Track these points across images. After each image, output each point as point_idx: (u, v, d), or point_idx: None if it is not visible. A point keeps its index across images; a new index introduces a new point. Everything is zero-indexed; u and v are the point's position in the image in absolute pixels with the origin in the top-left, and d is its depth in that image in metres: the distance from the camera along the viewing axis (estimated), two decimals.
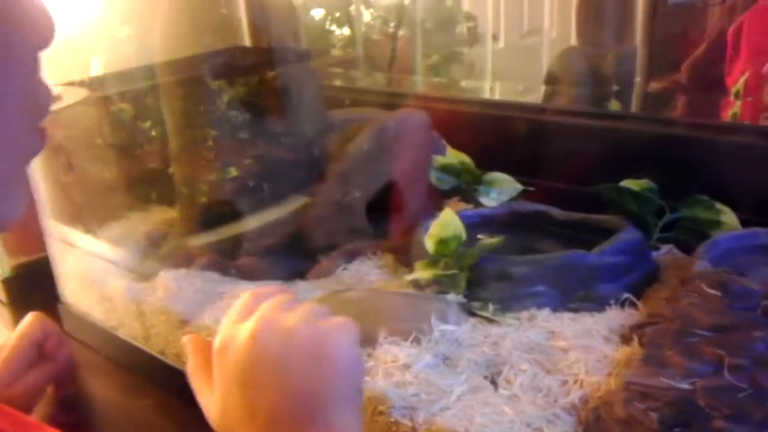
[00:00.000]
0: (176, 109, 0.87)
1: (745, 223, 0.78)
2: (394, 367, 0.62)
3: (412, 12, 1.53)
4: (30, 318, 0.74)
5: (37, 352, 0.72)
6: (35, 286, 0.98)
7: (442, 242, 0.73)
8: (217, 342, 0.49)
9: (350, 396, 0.48)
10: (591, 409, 0.56)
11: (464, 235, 0.74)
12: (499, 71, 1.56)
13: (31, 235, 1.03)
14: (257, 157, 0.85)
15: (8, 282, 1.01)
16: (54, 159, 1.02)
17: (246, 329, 0.48)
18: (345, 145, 0.86)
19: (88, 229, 0.95)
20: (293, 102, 0.87)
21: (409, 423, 0.57)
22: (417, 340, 0.66)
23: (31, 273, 1.01)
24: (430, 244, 0.73)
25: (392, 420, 0.58)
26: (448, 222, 0.73)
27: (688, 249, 0.78)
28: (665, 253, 0.80)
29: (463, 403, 0.58)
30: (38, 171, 0.98)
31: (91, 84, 1.18)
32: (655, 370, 0.56)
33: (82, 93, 1.19)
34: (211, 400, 0.49)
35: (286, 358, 0.46)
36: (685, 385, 0.53)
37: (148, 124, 1.18)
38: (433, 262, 0.75)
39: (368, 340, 0.67)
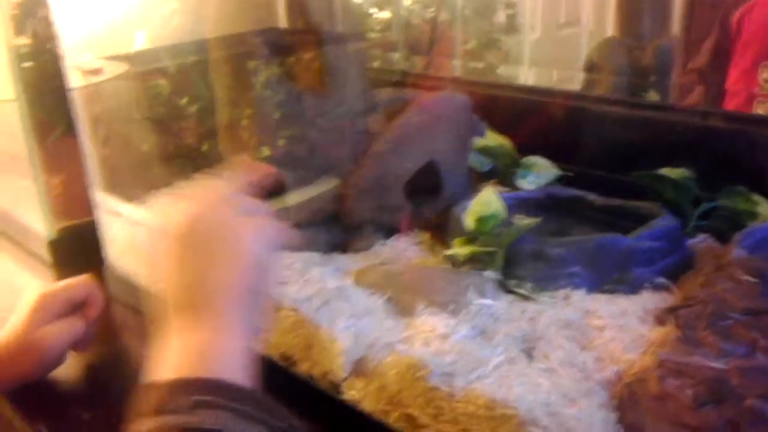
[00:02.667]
0: (222, 86, 0.89)
1: None
2: (433, 337, 0.64)
3: None
4: (81, 277, 0.77)
5: (73, 308, 0.75)
6: (80, 249, 1.01)
7: (481, 220, 0.75)
8: (166, 210, 0.54)
9: (245, 294, 0.50)
10: (625, 384, 0.58)
11: (503, 214, 0.75)
12: (536, 59, 1.57)
13: (76, 200, 1.06)
14: (298, 136, 0.87)
15: (54, 244, 1.04)
16: (94, 130, 1.06)
17: (192, 209, 0.52)
18: (387, 124, 0.87)
19: (130, 198, 0.98)
20: (338, 82, 0.89)
21: (447, 389, 0.59)
22: (455, 313, 0.68)
23: (76, 236, 1.04)
24: (469, 220, 0.75)
25: (430, 386, 0.60)
26: (488, 200, 0.75)
27: (723, 238, 0.79)
28: (701, 241, 0.81)
29: (500, 373, 0.59)
30: (85, 140, 1.01)
31: (132, 58, 1.21)
32: (690, 350, 0.57)
33: (122, 67, 1.22)
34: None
35: (205, 247, 0.51)
36: (719, 365, 0.55)
37: (185, 100, 1.20)
38: (470, 239, 0.77)
39: (407, 311, 0.70)
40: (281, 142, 0.83)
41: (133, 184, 1.02)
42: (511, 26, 1.62)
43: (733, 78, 1.15)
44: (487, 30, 1.49)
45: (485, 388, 0.57)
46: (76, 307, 0.76)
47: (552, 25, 1.77)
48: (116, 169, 1.04)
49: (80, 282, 0.77)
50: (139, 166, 1.08)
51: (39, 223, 1.07)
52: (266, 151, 0.87)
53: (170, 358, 0.48)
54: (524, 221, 0.75)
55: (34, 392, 0.74)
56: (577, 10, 1.70)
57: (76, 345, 0.77)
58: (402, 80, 1.16)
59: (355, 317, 0.69)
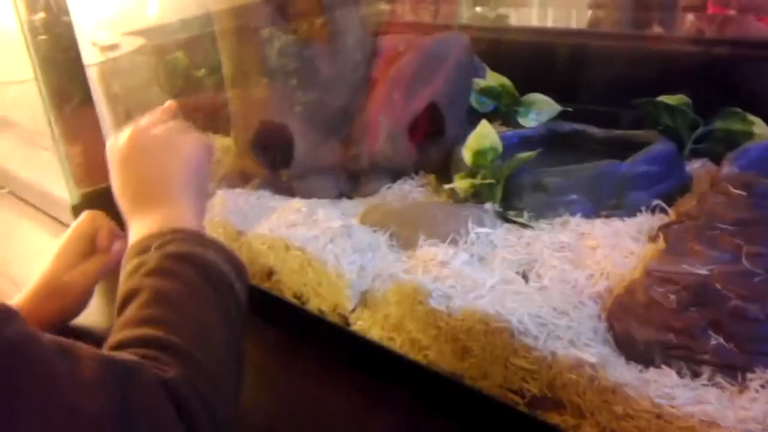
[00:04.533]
0: (236, 55, 0.91)
1: None
2: (433, 264, 0.67)
3: None
4: (83, 215, 0.80)
5: (90, 246, 0.77)
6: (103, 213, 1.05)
7: (479, 153, 0.77)
8: (110, 142, 0.67)
9: (194, 185, 0.65)
10: (615, 296, 0.60)
11: (500, 147, 0.78)
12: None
13: (98, 166, 1.11)
14: (312, 99, 0.89)
15: (77, 208, 1.09)
16: (112, 103, 1.10)
17: (126, 133, 0.66)
18: (389, 68, 0.90)
19: None
20: (343, 40, 0.90)
21: (444, 309, 0.62)
22: (454, 242, 0.71)
23: (98, 200, 1.08)
24: (467, 155, 0.77)
25: (429, 308, 0.63)
26: (484, 134, 0.77)
27: (720, 160, 0.80)
28: (699, 165, 0.82)
29: (496, 293, 0.62)
30: (103, 111, 1.05)
31: (147, 33, 1.24)
32: (677, 259, 0.59)
33: (138, 42, 1.25)
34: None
35: (150, 153, 0.65)
36: (703, 271, 0.56)
37: (201, 71, 1.23)
38: (471, 174, 0.79)
39: (409, 244, 0.73)
40: (298, 108, 0.86)
41: None
42: None
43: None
44: None
45: (480, 306, 0.60)
46: (91, 244, 0.79)
47: None
48: None
49: (84, 220, 0.79)
50: None
51: (63, 191, 1.12)
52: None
53: (141, 230, 0.60)
54: (522, 154, 0.77)
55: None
56: None
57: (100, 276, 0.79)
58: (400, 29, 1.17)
59: (360, 252, 0.72)
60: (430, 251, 0.69)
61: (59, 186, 1.12)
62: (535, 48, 1.04)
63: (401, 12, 1.33)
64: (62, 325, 0.78)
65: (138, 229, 0.61)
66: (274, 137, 0.88)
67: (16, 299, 0.78)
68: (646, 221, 0.72)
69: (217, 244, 0.60)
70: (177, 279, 0.55)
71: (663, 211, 0.73)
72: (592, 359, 0.53)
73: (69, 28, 1.03)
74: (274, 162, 0.90)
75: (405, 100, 0.89)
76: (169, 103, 0.72)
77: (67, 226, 1.09)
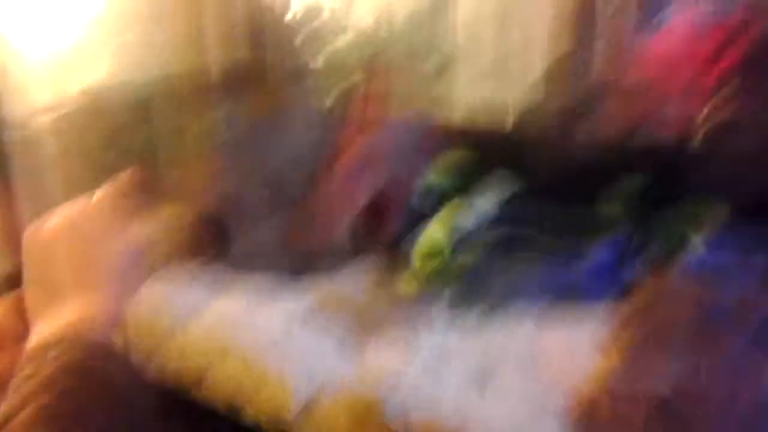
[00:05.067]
0: (178, 122, 0.88)
1: None
2: (386, 375, 0.64)
3: None
4: None
5: None
6: None
7: (427, 257, 0.75)
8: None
9: (121, 279, 0.58)
10: (579, 410, 0.58)
11: (449, 249, 0.76)
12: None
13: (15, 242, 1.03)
14: (255, 168, 0.86)
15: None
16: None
17: (46, 230, 0.59)
18: (338, 156, 0.88)
19: None
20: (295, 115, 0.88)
21: (402, 425, 0.58)
22: (407, 350, 0.68)
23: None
24: (416, 259, 0.75)
25: (384, 424, 0.59)
26: (434, 237, 0.75)
27: (669, 252, 0.81)
28: (639, 263, 0.83)
29: (455, 407, 0.59)
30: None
31: (85, 94, 1.18)
32: (638, 374, 0.58)
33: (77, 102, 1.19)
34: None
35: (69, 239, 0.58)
36: (666, 389, 0.56)
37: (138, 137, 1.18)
38: (417, 276, 0.77)
39: (359, 348, 0.69)
40: (247, 183, 0.83)
41: None
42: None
43: None
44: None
45: (441, 423, 0.57)
46: None
47: None
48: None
49: None
50: None
51: None
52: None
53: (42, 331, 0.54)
54: (470, 258, 0.76)
55: None
56: None
57: None
58: None
59: (305, 357, 0.68)
60: (383, 359, 0.66)
61: None
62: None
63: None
64: None
65: (40, 329, 0.55)
66: (214, 219, 0.84)
67: None
68: (600, 326, 0.71)
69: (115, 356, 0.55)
70: (66, 395, 0.50)
71: (611, 315, 0.73)
72: None
73: None
74: (212, 247, 0.85)
75: (353, 186, 0.88)
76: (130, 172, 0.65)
77: None
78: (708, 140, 1.03)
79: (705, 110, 1.22)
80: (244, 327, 0.73)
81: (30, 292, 0.58)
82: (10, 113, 0.98)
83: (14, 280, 0.92)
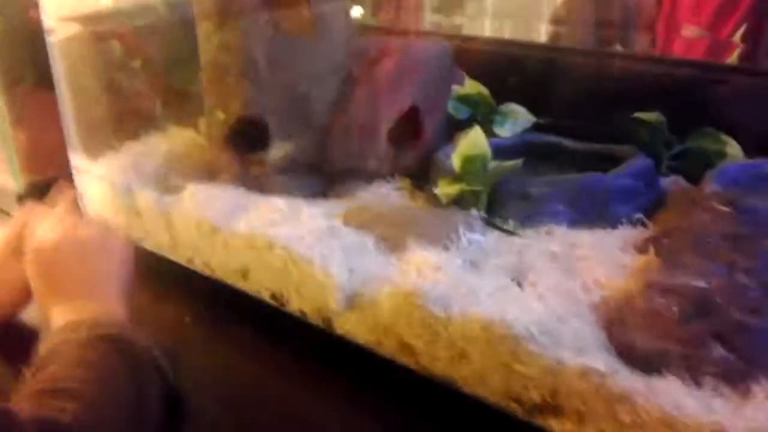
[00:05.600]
0: (211, 41, 0.88)
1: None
2: (426, 269, 0.66)
3: None
4: (24, 209, 0.75)
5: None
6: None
7: (468, 160, 0.76)
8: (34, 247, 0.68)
9: (123, 285, 0.68)
10: (613, 306, 0.61)
11: (490, 155, 0.77)
12: (502, 11, 1.57)
13: (46, 154, 1.05)
14: (286, 86, 0.86)
15: (24, 198, 1.03)
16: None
17: (49, 237, 0.67)
18: (370, 70, 0.88)
19: (107, 146, 0.97)
20: (325, 29, 0.88)
21: (444, 315, 0.61)
22: (445, 247, 0.70)
23: (47, 190, 1.02)
24: (457, 161, 0.77)
25: (426, 313, 0.62)
26: (476, 140, 0.77)
27: (693, 178, 0.82)
28: (672, 181, 0.85)
29: (494, 299, 0.62)
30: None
31: (85, 20, 1.18)
32: (674, 272, 0.61)
33: (74, 28, 1.19)
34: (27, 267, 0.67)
35: (82, 257, 0.67)
36: (702, 283, 0.58)
37: (138, 62, 1.18)
38: (455, 180, 0.79)
39: (398, 247, 0.71)
40: (278, 102, 0.83)
41: (100, 141, 1.00)
42: None
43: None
44: None
45: (481, 312, 0.60)
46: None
47: None
48: (85, 125, 1.02)
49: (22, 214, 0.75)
50: (109, 122, 1.06)
51: (9, 178, 1.05)
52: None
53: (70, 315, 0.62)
54: (509, 162, 0.78)
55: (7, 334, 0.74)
56: None
57: None
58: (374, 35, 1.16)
59: (348, 254, 0.71)
60: (423, 255, 0.68)
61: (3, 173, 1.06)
62: (508, 59, 1.05)
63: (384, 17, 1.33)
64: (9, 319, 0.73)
65: (66, 315, 0.62)
66: (251, 131, 0.85)
67: None
68: (629, 233, 0.73)
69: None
70: (100, 362, 0.56)
71: (643, 224, 0.75)
72: (601, 367, 0.54)
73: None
74: (248, 157, 0.87)
75: (386, 103, 0.89)
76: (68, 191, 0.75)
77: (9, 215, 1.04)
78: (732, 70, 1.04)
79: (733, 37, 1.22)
80: (288, 224, 0.75)
81: (47, 297, 0.66)
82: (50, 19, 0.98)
83: (43, 188, 0.95)
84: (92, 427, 0.50)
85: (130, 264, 0.71)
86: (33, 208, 0.74)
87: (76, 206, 0.72)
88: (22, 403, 0.51)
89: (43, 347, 0.57)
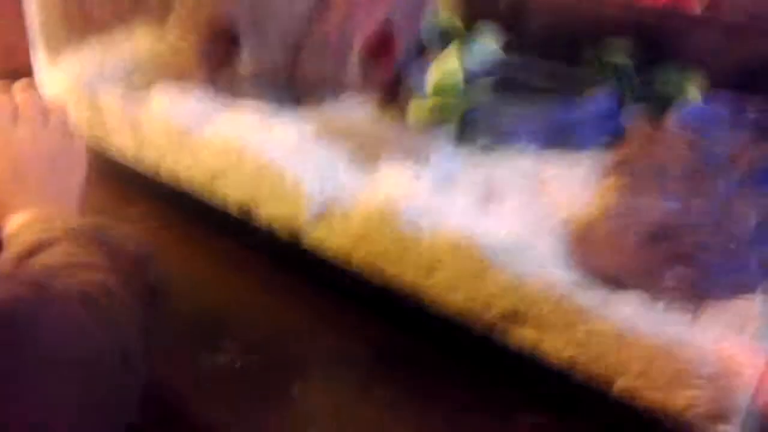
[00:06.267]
0: None
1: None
2: (398, 185, 0.67)
3: None
4: None
5: None
6: None
7: (442, 81, 0.77)
8: None
9: (79, 198, 0.66)
10: (577, 227, 0.63)
11: (462, 77, 0.78)
12: None
13: (7, 49, 1.00)
14: None
15: None
16: None
17: (27, 131, 0.65)
18: None
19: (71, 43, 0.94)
20: None
21: (414, 230, 0.63)
22: (417, 166, 0.71)
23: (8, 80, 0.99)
24: (430, 81, 0.77)
25: (397, 227, 0.64)
26: (450, 63, 0.77)
27: (654, 112, 0.85)
28: (632, 114, 0.87)
29: (464, 215, 0.64)
30: None
31: None
32: (635, 197, 0.64)
33: None
34: None
35: (52, 158, 0.65)
36: (661, 209, 0.61)
37: None
38: (427, 100, 0.80)
39: (370, 163, 0.72)
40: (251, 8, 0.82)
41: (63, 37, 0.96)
42: None
43: None
44: None
45: (453, 227, 0.62)
46: None
47: None
48: (49, 18, 0.98)
49: None
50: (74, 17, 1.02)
51: None
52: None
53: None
54: (480, 86, 0.79)
55: None
56: None
57: None
58: None
59: (319, 166, 0.71)
60: (394, 171, 0.69)
61: None
62: None
63: None
64: None
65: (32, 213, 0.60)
66: (223, 36, 0.83)
67: None
68: (593, 160, 0.75)
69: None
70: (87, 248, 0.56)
71: (607, 151, 0.77)
72: (562, 282, 0.57)
73: None
74: (220, 63, 0.85)
75: (360, 17, 0.88)
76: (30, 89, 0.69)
77: None
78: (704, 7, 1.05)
79: None
80: (259, 135, 0.75)
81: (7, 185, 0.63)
82: None
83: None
84: (119, 306, 0.51)
85: (85, 172, 0.69)
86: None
87: (39, 104, 0.69)
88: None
89: (15, 242, 0.57)
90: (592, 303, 0.56)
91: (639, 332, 0.53)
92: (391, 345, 0.65)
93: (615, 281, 0.58)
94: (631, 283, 0.57)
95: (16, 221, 0.61)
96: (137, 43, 0.95)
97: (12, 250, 0.57)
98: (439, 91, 0.77)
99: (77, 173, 0.67)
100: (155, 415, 0.57)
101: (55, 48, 0.92)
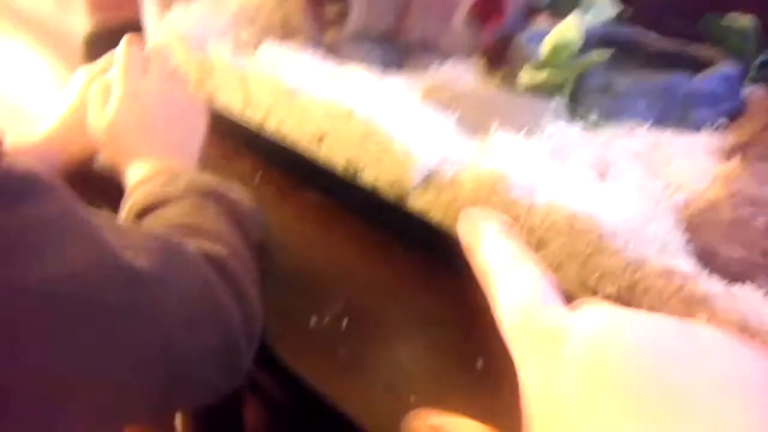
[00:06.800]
0: None
1: None
2: (511, 154, 0.66)
3: None
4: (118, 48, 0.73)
5: None
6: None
7: (559, 47, 0.75)
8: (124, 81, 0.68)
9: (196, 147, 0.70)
10: (696, 210, 0.61)
11: (579, 45, 0.76)
12: None
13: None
14: None
15: (91, 39, 1.01)
16: None
17: (153, 83, 0.68)
18: None
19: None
20: None
21: (527, 201, 0.62)
22: (530, 133, 0.70)
23: (116, 32, 1.01)
24: (547, 47, 0.75)
25: (508, 198, 0.63)
26: (569, 28, 0.75)
27: None
28: (752, 90, 0.83)
29: (578, 191, 0.62)
30: None
31: None
32: (762, 183, 0.61)
33: None
34: (101, 120, 0.67)
35: (182, 113, 0.69)
36: None
37: None
38: (540, 66, 0.77)
39: (480, 131, 0.71)
40: None
41: None
42: None
43: None
44: None
45: (564, 201, 0.60)
46: None
47: None
48: None
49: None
50: None
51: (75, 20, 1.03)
52: None
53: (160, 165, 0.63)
54: (596, 53, 0.76)
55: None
56: None
57: None
58: None
59: (430, 129, 0.70)
60: (507, 140, 0.68)
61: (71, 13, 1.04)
62: None
63: None
64: (94, 160, 0.74)
65: (154, 165, 0.63)
66: None
67: (41, 132, 0.73)
68: (712, 139, 0.72)
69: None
70: (209, 206, 0.58)
71: (726, 130, 0.74)
72: (685, 268, 0.55)
73: None
74: (327, 21, 0.85)
75: None
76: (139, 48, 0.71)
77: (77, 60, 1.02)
78: None
79: None
80: (368, 94, 0.74)
81: (135, 131, 0.66)
82: None
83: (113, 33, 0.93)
84: (239, 270, 0.52)
85: (206, 132, 0.72)
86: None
87: (167, 59, 0.71)
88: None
89: (140, 194, 0.58)
90: (715, 292, 0.54)
91: (764, 326, 0.51)
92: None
93: (737, 272, 0.56)
94: (755, 275, 0.55)
95: (140, 169, 0.63)
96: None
97: (136, 200, 0.58)
98: (555, 56, 0.75)
99: (199, 127, 0.69)
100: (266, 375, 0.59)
101: (164, 1, 0.92)
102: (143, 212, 0.56)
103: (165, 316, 0.43)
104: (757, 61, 0.82)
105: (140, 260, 0.43)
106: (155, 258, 0.44)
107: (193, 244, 0.50)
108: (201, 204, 0.56)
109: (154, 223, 0.55)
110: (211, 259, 0.49)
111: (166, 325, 0.43)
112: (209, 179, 0.61)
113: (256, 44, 0.85)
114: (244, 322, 0.50)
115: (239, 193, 0.62)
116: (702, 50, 0.83)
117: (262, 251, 0.65)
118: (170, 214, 0.55)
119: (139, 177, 0.62)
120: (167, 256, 0.46)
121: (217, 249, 0.51)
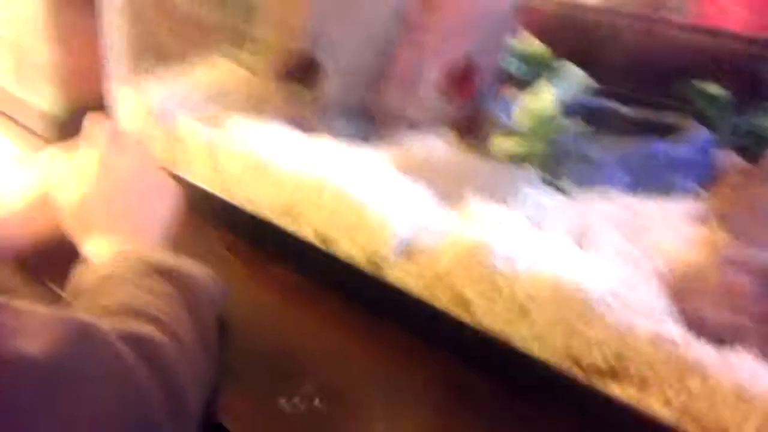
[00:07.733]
0: None
1: None
2: (489, 223, 0.65)
3: None
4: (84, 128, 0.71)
5: None
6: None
7: (535, 116, 0.75)
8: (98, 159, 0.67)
9: (167, 235, 0.67)
10: (683, 277, 0.59)
11: (554, 114, 0.76)
12: None
13: (84, 73, 1.01)
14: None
15: (56, 118, 0.99)
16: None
17: (126, 162, 0.68)
18: (430, 16, 0.85)
19: (149, 71, 0.94)
20: None
21: (509, 271, 0.60)
22: (505, 203, 0.68)
23: (82, 110, 0.99)
24: (522, 116, 0.75)
25: (490, 268, 0.61)
26: (544, 98, 0.75)
27: (747, 155, 0.81)
28: (724, 156, 0.83)
29: (559, 259, 0.61)
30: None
31: None
32: (747, 249, 0.60)
33: None
34: (70, 195, 0.66)
35: (146, 189, 0.68)
36: None
37: None
38: (512, 135, 0.77)
39: (456, 200, 0.70)
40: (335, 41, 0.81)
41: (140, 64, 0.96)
42: None
43: None
44: None
45: (550, 272, 0.58)
46: None
47: None
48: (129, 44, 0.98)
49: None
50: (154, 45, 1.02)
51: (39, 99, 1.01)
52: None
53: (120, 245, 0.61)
54: (567, 122, 0.76)
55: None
56: None
57: None
58: None
59: (406, 199, 0.69)
60: (484, 209, 0.66)
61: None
62: (568, 20, 1.02)
63: None
64: (58, 239, 0.71)
65: (110, 246, 0.61)
66: (306, 67, 0.82)
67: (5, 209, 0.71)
68: (688, 204, 0.72)
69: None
70: (156, 285, 0.56)
71: (700, 196, 0.74)
72: (674, 335, 0.53)
73: None
74: (301, 94, 0.84)
75: (440, 51, 0.86)
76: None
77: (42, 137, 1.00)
78: None
79: None
80: (341, 164, 0.73)
81: (95, 208, 0.64)
82: None
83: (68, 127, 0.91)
84: (178, 350, 0.50)
85: (177, 212, 0.70)
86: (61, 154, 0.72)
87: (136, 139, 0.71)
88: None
89: (88, 273, 0.56)
90: (707, 359, 0.52)
91: (758, 391, 0.49)
92: (475, 389, 0.62)
93: (727, 337, 0.54)
94: (746, 340, 0.53)
95: (97, 246, 0.62)
96: (214, 71, 0.94)
97: (81, 277, 0.57)
98: (531, 125, 0.75)
99: (168, 208, 0.68)
100: None
101: (129, 77, 0.92)
102: (85, 290, 0.54)
103: (59, 402, 0.41)
104: (729, 128, 0.83)
105: (33, 346, 0.41)
106: (54, 342, 0.42)
107: (114, 324, 0.48)
108: (148, 284, 0.54)
109: (89, 302, 0.53)
110: (133, 339, 0.47)
111: (63, 412, 0.41)
112: (164, 257, 0.59)
113: (226, 117, 0.84)
114: (168, 399, 0.47)
115: (197, 270, 0.59)
116: (671, 117, 0.84)
117: (227, 328, 0.62)
118: (110, 294, 0.53)
119: (92, 253, 0.61)
120: (71, 339, 0.43)
121: (147, 330, 0.49)
